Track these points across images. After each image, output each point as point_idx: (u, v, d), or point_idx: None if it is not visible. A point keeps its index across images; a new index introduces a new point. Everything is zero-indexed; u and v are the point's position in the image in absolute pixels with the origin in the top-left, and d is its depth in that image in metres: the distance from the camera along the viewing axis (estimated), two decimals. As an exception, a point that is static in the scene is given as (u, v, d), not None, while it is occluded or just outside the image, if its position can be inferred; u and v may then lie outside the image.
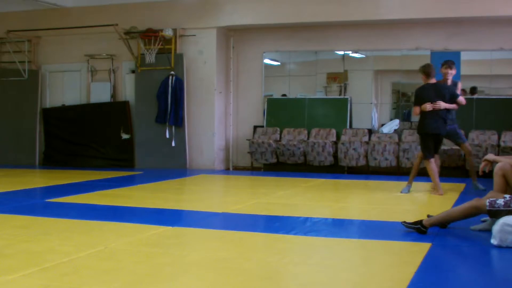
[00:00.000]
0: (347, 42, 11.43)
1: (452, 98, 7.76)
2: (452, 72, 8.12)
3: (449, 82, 8.16)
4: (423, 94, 7.76)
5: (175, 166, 11.50)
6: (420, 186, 8.58)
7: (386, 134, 11.06)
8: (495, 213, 4.76)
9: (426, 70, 7.81)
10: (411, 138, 10.70)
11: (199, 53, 11.63)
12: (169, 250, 4.54)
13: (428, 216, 5.25)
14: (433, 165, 7.84)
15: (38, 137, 12.52)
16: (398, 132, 11.12)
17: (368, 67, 11.72)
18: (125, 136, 11.96)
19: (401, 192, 7.97)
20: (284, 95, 11.94)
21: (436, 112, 7.70)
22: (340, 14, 10.83)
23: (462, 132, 8.46)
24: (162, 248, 4.57)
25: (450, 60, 8.25)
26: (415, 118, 11.56)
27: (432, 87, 7.77)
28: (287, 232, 5.22)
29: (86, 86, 12.49)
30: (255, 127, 11.82)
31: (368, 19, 10.81)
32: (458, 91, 8.12)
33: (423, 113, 7.81)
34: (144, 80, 11.73)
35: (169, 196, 7.99)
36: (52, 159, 12.32)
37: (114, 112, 12.08)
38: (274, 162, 11.17)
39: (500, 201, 4.75)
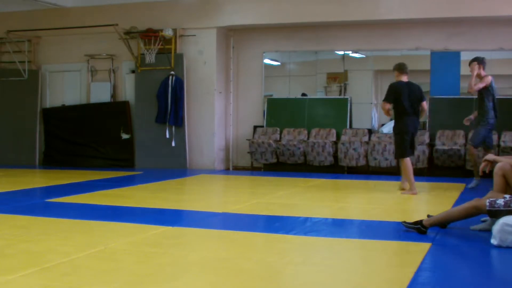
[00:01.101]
0: (347, 42, 11.43)
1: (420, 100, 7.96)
2: (472, 67, 8.30)
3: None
4: (398, 91, 7.85)
5: (175, 166, 11.50)
6: (420, 186, 8.59)
7: (386, 134, 11.06)
8: (495, 213, 4.75)
9: (400, 67, 8.04)
10: (411, 138, 10.69)
11: (199, 53, 11.63)
12: (169, 250, 4.54)
13: (428, 216, 5.25)
14: (409, 163, 7.94)
15: (38, 137, 12.52)
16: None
17: (368, 67, 11.72)
18: (125, 136, 11.96)
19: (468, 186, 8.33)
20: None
21: (413, 111, 7.85)
22: (340, 14, 10.83)
23: (480, 134, 8.39)
24: (162, 248, 4.57)
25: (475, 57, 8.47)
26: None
27: (405, 85, 7.92)
28: (287, 232, 5.22)
29: (86, 86, 12.49)
30: (255, 127, 11.82)
31: (368, 19, 10.81)
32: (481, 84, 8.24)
33: (399, 112, 7.89)
34: (144, 80, 11.73)
35: (169, 196, 7.99)
36: (52, 159, 12.32)
37: (114, 112, 12.08)
38: (274, 162, 11.17)
39: (500, 201, 4.75)
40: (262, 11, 11.25)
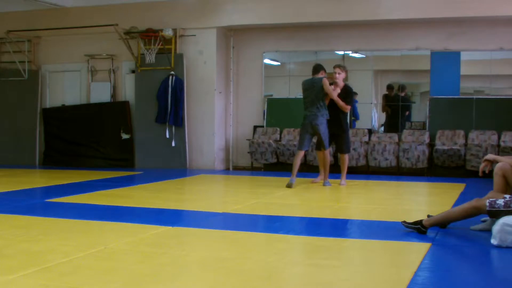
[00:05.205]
0: (347, 42, 11.43)
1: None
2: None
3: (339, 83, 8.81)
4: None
5: (175, 166, 11.50)
6: (420, 186, 8.59)
7: (386, 134, 11.06)
8: (495, 213, 4.75)
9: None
10: (411, 138, 10.71)
11: (199, 53, 11.62)
12: (169, 250, 4.54)
13: (428, 216, 5.25)
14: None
15: (38, 137, 12.52)
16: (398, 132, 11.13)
17: (368, 67, 11.72)
18: (125, 136, 11.96)
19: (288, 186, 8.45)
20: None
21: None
22: (340, 14, 10.83)
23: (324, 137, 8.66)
24: (162, 248, 4.57)
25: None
26: (415, 118, 11.68)
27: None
28: (287, 232, 5.22)
29: (86, 86, 12.49)
30: (255, 127, 11.82)
31: (368, 19, 10.81)
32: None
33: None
34: (144, 80, 11.73)
35: (169, 196, 7.99)
36: (52, 159, 12.32)
37: (114, 112, 12.08)
38: (274, 162, 11.17)
39: (500, 201, 4.75)
40: (262, 11, 11.25)
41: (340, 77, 8.70)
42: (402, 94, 11.44)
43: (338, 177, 8.90)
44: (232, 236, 5.12)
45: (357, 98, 11.65)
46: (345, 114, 8.79)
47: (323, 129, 8.46)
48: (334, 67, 8.83)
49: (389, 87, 11.63)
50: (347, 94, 8.74)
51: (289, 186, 8.36)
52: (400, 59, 11.29)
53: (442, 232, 5.12)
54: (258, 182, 9.79)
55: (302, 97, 8.79)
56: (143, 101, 11.76)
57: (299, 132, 8.79)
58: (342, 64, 9.11)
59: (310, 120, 8.45)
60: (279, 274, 3.92)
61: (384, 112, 11.67)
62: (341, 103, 8.59)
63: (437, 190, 8.74)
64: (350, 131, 11.09)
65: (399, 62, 11.35)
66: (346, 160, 8.88)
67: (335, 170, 9.36)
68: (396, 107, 11.46)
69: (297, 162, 8.60)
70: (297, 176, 8.98)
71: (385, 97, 11.65)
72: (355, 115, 11.68)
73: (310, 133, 8.53)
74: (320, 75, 8.61)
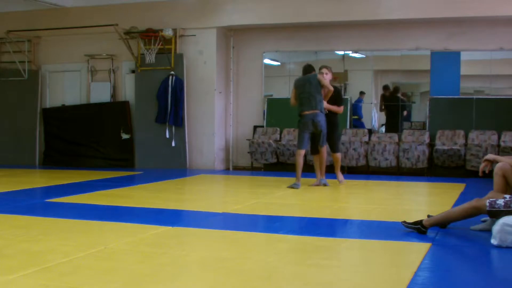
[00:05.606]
0: (347, 42, 11.43)
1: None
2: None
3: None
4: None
5: (175, 166, 11.50)
6: (420, 186, 8.58)
7: (386, 134, 11.06)
8: (495, 214, 4.75)
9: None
10: (411, 138, 10.71)
11: (199, 53, 11.62)
12: (169, 250, 4.54)
13: (428, 216, 5.24)
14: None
15: (38, 137, 12.52)
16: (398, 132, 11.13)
17: (368, 67, 11.72)
18: (125, 136, 11.96)
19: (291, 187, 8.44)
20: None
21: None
22: (340, 14, 10.84)
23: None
24: (162, 248, 4.57)
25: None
26: (415, 118, 11.68)
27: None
28: (287, 232, 5.22)
29: (86, 86, 12.49)
30: (255, 127, 11.82)
31: (368, 19, 10.81)
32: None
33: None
34: (144, 80, 11.73)
35: (169, 196, 7.99)
36: (52, 159, 12.32)
37: (114, 112, 12.08)
38: (274, 162, 11.17)
39: (500, 202, 4.75)
40: (262, 11, 11.26)
41: (327, 77, 8.70)
42: (399, 95, 11.45)
43: (335, 177, 8.90)
44: (232, 236, 5.12)
45: (357, 98, 11.67)
46: (336, 115, 8.78)
47: (324, 125, 8.44)
48: (321, 68, 8.83)
49: (385, 88, 11.64)
50: (337, 95, 8.75)
51: (293, 188, 8.33)
52: (400, 59, 11.29)
53: (442, 232, 5.12)
54: (258, 182, 9.80)
55: (295, 93, 8.68)
56: (143, 101, 11.76)
57: (298, 131, 8.74)
58: (329, 66, 9.08)
59: (311, 117, 8.40)
60: (279, 274, 3.91)
61: (382, 112, 11.68)
62: (333, 108, 8.62)
63: (437, 190, 8.74)
64: (350, 131, 11.13)
65: (399, 62, 11.35)
66: (339, 158, 8.91)
67: (333, 171, 9.34)
68: (394, 107, 11.46)
69: (300, 162, 8.52)
70: (293, 176, 8.99)
71: (383, 97, 11.65)
72: (358, 114, 11.68)
73: (310, 131, 8.50)
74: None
